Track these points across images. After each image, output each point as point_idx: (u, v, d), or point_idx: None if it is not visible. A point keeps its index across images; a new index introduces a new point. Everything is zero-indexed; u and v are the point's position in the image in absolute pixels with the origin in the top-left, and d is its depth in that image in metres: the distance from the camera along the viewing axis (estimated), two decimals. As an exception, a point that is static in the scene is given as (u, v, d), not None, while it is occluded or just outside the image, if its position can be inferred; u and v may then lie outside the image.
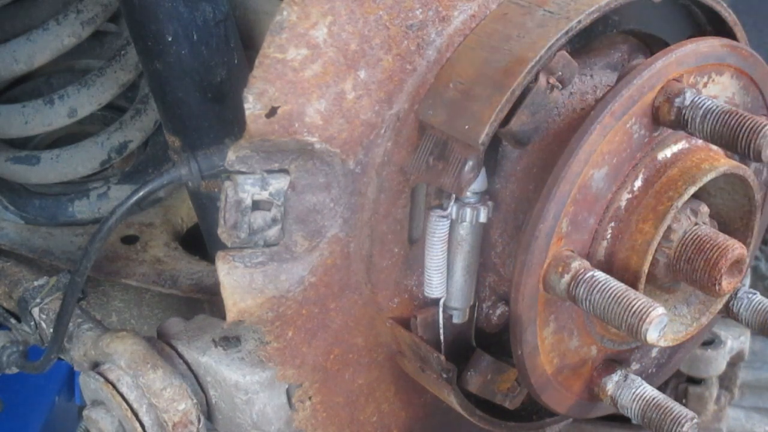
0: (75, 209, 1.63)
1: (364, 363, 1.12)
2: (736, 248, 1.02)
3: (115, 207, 1.15)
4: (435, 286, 1.04)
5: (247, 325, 1.04)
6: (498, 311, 1.09)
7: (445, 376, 1.06)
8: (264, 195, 0.97)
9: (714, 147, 1.06)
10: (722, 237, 1.02)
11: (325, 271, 1.04)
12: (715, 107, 0.97)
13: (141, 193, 1.14)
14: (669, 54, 1.00)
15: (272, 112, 0.94)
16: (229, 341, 1.09)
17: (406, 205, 1.05)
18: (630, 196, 1.01)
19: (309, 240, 1.01)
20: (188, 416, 1.08)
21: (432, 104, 1.00)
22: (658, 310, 0.94)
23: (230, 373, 1.06)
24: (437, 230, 1.01)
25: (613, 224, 1.02)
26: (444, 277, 1.04)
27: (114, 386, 1.08)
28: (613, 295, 0.96)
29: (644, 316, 0.93)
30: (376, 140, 1.01)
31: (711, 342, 1.53)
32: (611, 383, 1.10)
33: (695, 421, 1.07)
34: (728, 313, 1.15)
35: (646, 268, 1.01)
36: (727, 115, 0.97)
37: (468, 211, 1.01)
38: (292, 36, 0.93)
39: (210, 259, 1.50)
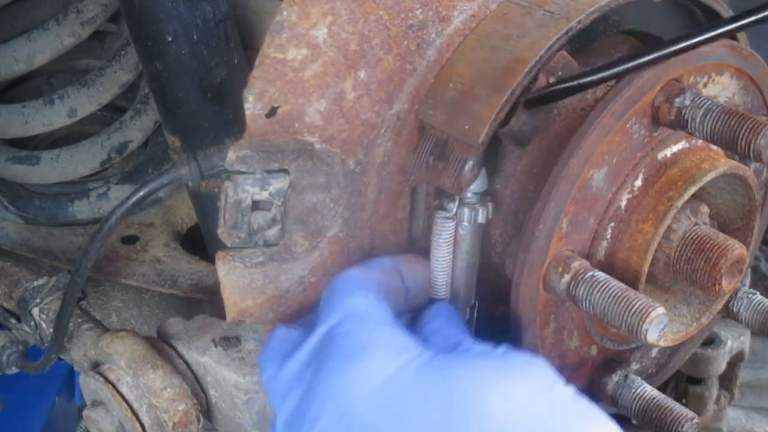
0: (75, 209, 1.63)
1: (364, 363, 1.12)
2: (736, 248, 1.02)
3: (115, 207, 1.15)
4: (439, 287, 1.04)
5: (247, 325, 1.04)
6: (498, 311, 1.09)
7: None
8: (264, 195, 0.97)
9: (714, 147, 1.06)
10: (722, 237, 1.02)
11: (325, 272, 1.04)
12: (715, 107, 0.97)
13: (141, 193, 1.14)
14: (669, 54, 1.00)
15: (272, 112, 0.94)
16: (229, 341, 1.09)
17: (406, 205, 1.05)
18: (630, 196, 1.01)
19: (309, 240, 1.01)
20: (188, 416, 1.08)
21: (432, 104, 1.00)
22: (658, 310, 0.94)
23: (230, 373, 1.06)
24: (443, 232, 1.01)
25: (613, 224, 1.02)
26: (449, 278, 1.04)
27: (114, 386, 1.08)
28: (613, 295, 0.96)
29: (644, 316, 0.93)
30: (376, 140, 1.01)
31: (711, 342, 1.53)
32: (611, 383, 1.10)
33: (695, 421, 1.07)
34: (728, 313, 1.15)
35: (646, 268, 1.01)
36: (727, 115, 0.97)
37: (466, 211, 1.01)
38: (292, 36, 0.93)
39: (210, 259, 1.50)
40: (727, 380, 1.63)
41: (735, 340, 1.55)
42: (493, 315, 1.08)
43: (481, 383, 0.86)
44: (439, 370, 0.88)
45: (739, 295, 1.14)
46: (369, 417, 0.86)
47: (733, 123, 0.96)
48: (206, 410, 1.11)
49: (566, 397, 0.87)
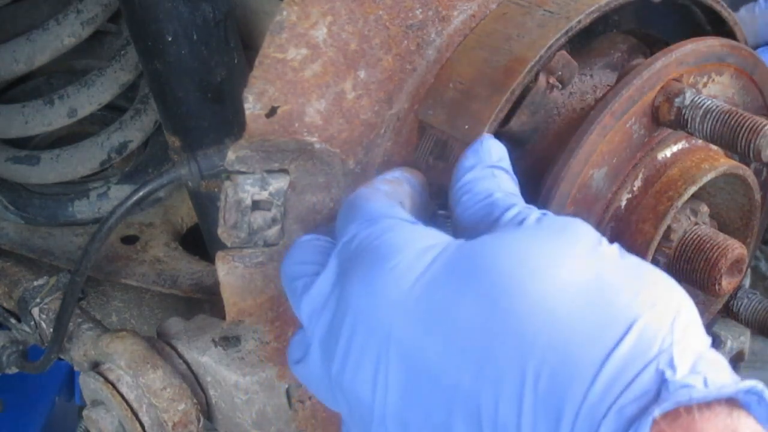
0: (75, 209, 1.63)
1: (364, 363, 1.12)
2: (736, 248, 1.02)
3: (115, 207, 1.15)
4: None
5: (247, 325, 1.04)
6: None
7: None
8: (264, 195, 0.97)
9: (714, 147, 1.06)
10: (722, 237, 1.02)
11: (325, 271, 1.04)
12: (715, 107, 0.97)
13: (141, 193, 1.14)
14: (669, 54, 1.00)
15: (272, 112, 0.94)
16: (229, 341, 1.09)
17: (406, 205, 1.05)
18: (630, 196, 1.01)
19: (309, 240, 1.01)
20: (188, 416, 1.08)
21: (432, 104, 1.00)
22: (658, 310, 0.94)
23: (230, 373, 1.06)
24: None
25: (613, 224, 1.02)
26: None
27: (114, 386, 1.08)
28: (613, 295, 0.95)
29: (644, 316, 0.93)
30: (376, 140, 1.01)
31: (711, 342, 1.53)
32: (611, 383, 1.10)
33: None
34: (728, 313, 1.15)
35: (646, 268, 1.01)
36: (727, 115, 0.97)
37: (467, 211, 1.01)
38: (292, 36, 0.93)
39: (210, 259, 1.50)
40: (727, 380, 1.62)
41: (735, 340, 1.55)
42: None
43: (516, 269, 0.78)
44: (470, 259, 0.81)
45: (739, 295, 1.14)
46: (404, 328, 0.79)
47: (733, 123, 0.96)
48: (206, 410, 1.11)
49: (612, 258, 0.80)
